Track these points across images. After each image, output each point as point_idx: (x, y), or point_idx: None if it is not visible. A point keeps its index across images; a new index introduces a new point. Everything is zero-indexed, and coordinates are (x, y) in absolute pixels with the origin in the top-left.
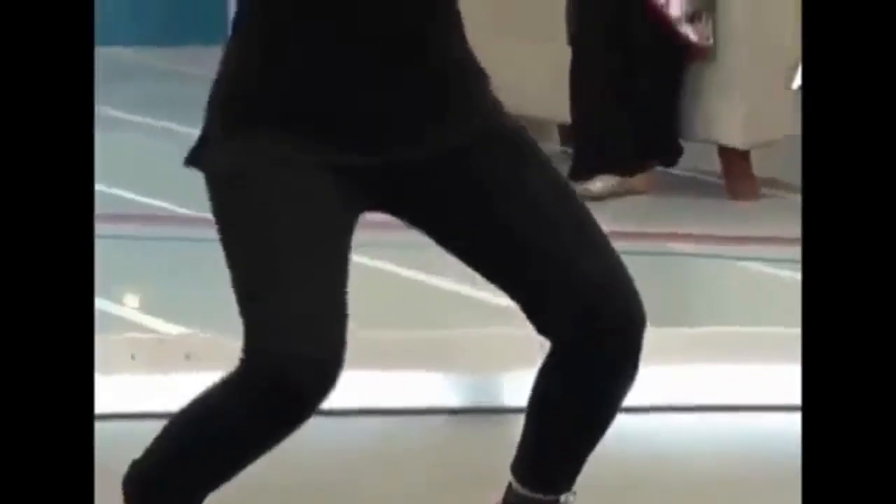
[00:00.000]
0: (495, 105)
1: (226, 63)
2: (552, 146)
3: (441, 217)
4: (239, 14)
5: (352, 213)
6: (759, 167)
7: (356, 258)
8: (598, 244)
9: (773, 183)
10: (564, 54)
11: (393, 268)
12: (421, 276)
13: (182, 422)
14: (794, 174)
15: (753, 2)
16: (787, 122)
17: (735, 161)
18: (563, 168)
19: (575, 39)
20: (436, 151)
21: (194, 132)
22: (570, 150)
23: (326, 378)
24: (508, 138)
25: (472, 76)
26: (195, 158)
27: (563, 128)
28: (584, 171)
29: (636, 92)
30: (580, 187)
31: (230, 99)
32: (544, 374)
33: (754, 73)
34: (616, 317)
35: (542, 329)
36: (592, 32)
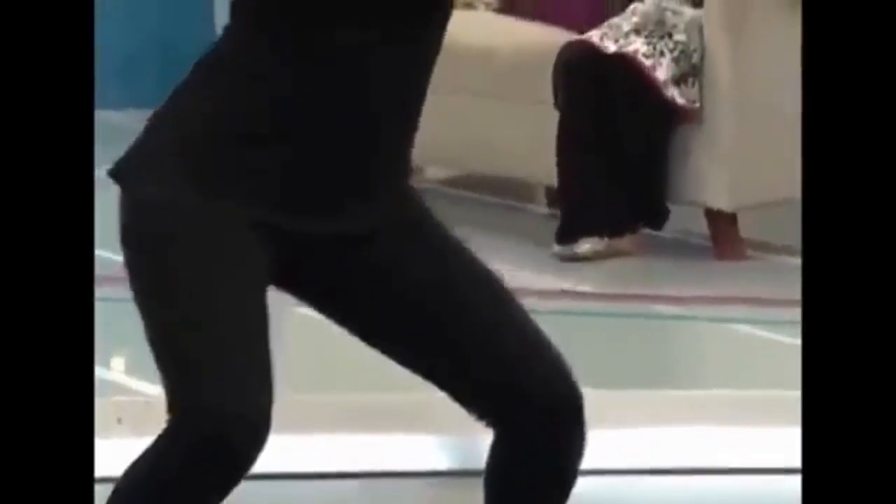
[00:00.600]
0: (411, 193)
1: (186, 95)
2: (539, 208)
3: (367, 302)
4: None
5: (266, 280)
6: (746, 229)
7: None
8: (519, 325)
9: (760, 245)
10: (552, 117)
11: None
12: None
13: (125, 486)
14: (781, 236)
15: (740, 65)
16: (773, 185)
17: (722, 223)
18: (551, 230)
19: (562, 102)
20: (365, 229)
21: None
22: (557, 213)
23: (258, 436)
24: (422, 223)
25: (402, 164)
26: (118, 173)
27: (550, 190)
28: (571, 233)
29: (623, 155)
30: (567, 249)
31: (172, 128)
32: (493, 462)
33: (741, 135)
34: (546, 397)
35: (479, 416)
36: (579, 95)
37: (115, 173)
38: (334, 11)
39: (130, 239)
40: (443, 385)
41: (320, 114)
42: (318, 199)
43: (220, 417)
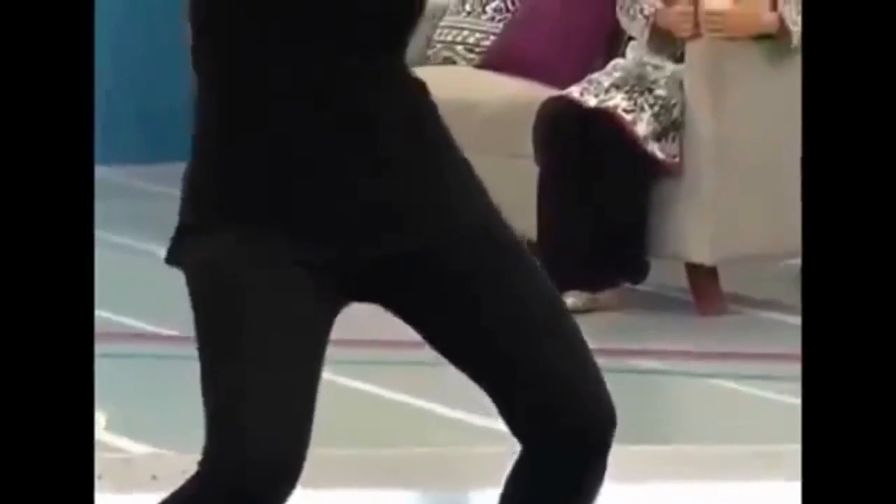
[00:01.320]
0: (484, 205)
1: (198, 155)
2: None
3: (424, 313)
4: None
5: (331, 310)
6: (726, 283)
7: (335, 378)
8: (571, 345)
9: (740, 299)
10: (532, 171)
11: (371, 388)
12: (395, 396)
13: None
14: (760, 290)
15: (720, 120)
16: (753, 239)
17: (702, 277)
18: None
19: (543, 157)
20: (412, 247)
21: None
22: None
23: (279, 490)
24: (495, 239)
25: (458, 175)
26: (173, 256)
27: (530, 244)
28: None
29: (604, 209)
30: None
31: (204, 192)
32: (512, 478)
33: (721, 190)
34: (579, 418)
35: (512, 429)
36: (560, 150)
37: (170, 259)
38: (318, 41)
39: (195, 303)
40: (488, 393)
41: (324, 142)
42: (349, 227)
43: (240, 470)
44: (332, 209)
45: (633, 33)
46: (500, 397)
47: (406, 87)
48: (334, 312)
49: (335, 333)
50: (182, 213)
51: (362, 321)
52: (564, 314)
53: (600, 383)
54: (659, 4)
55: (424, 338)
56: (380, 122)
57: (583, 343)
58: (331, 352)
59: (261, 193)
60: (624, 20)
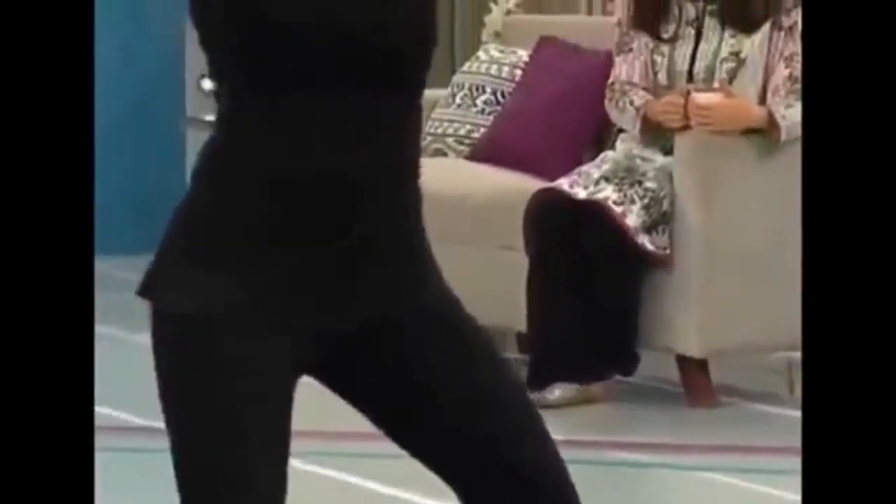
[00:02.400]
0: (437, 280)
1: (191, 202)
2: (510, 354)
3: (374, 389)
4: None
5: (294, 380)
6: (717, 375)
7: (321, 470)
8: (533, 429)
9: (731, 391)
10: (522, 263)
11: (356, 480)
12: (377, 487)
13: None
14: (752, 382)
15: (710, 212)
16: (744, 332)
17: (692, 369)
18: (522, 376)
19: (533, 248)
20: (374, 318)
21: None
22: (528, 358)
23: None
24: (447, 315)
25: (415, 249)
26: (147, 286)
27: (521, 336)
28: (541, 379)
29: (594, 301)
30: (537, 396)
31: (190, 235)
32: None
33: (711, 282)
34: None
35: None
36: (550, 242)
37: (143, 290)
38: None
39: (158, 350)
40: (440, 475)
41: (305, 203)
42: (325, 294)
43: None
44: (308, 275)
45: (624, 125)
46: (454, 480)
47: (397, 148)
48: (295, 386)
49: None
50: (163, 249)
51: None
52: (528, 405)
53: (562, 473)
54: (648, 97)
55: (371, 416)
56: (365, 190)
57: (544, 432)
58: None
59: (241, 244)
60: (613, 113)
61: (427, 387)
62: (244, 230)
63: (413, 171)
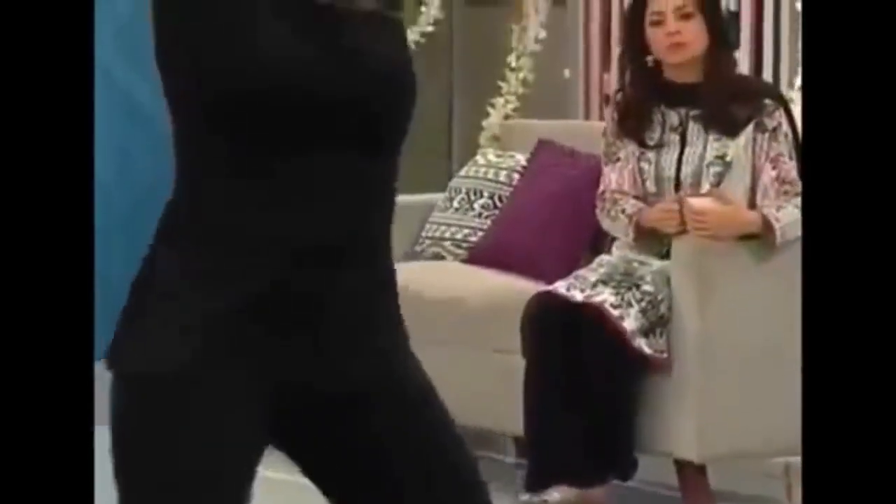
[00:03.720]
0: (407, 357)
1: (152, 264)
2: (507, 458)
3: (336, 462)
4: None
5: (258, 449)
6: (716, 480)
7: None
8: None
9: (729, 496)
10: (518, 366)
11: None
12: None
13: None
14: (750, 487)
15: (707, 316)
16: (742, 437)
17: (691, 475)
18: (519, 479)
19: (529, 352)
20: (335, 392)
21: None
22: (525, 462)
23: None
24: (414, 393)
25: (387, 321)
26: (112, 361)
27: (518, 440)
28: (540, 482)
29: (591, 405)
30: (537, 498)
31: (151, 296)
32: None
33: (709, 386)
34: None
35: None
36: (547, 345)
37: (110, 362)
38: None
39: (115, 411)
40: None
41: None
42: (289, 363)
43: None
44: (274, 343)
45: (616, 234)
46: None
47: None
48: (259, 457)
49: None
50: (125, 309)
51: None
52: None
53: None
54: (640, 204)
55: (324, 489)
56: (337, 257)
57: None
58: None
59: (204, 307)
60: (605, 222)
61: (386, 466)
62: (208, 293)
63: (386, 238)
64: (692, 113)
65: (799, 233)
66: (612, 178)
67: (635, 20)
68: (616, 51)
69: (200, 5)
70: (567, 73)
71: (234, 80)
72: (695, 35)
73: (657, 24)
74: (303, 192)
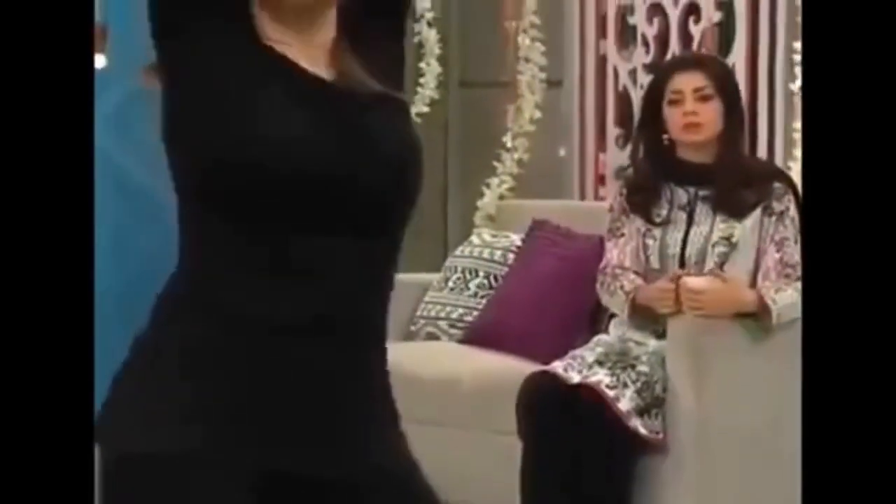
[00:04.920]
0: (398, 441)
1: (149, 338)
2: None
3: None
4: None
5: None
6: None
7: None
8: None
9: None
10: (515, 447)
11: None
12: None
13: None
14: None
15: (703, 396)
16: None
17: None
18: None
19: (526, 432)
20: (324, 475)
21: None
22: None
23: None
24: (404, 480)
25: (379, 405)
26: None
27: None
28: None
29: (588, 485)
30: None
31: (145, 370)
32: None
33: (705, 467)
34: None
35: None
36: (543, 426)
37: (102, 438)
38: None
39: (105, 489)
40: None
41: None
42: (281, 446)
43: None
44: (266, 424)
45: (614, 309)
46: None
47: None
48: None
49: None
50: (117, 384)
51: None
52: None
53: None
54: (639, 281)
55: None
56: (338, 337)
57: None
58: None
59: (197, 384)
60: (604, 297)
61: None
62: (202, 372)
63: (382, 320)
64: (701, 193)
65: (795, 315)
66: (614, 253)
67: (654, 98)
68: (611, 131)
69: (202, 83)
70: (562, 152)
71: (233, 159)
72: (712, 117)
73: (675, 103)
74: (301, 272)
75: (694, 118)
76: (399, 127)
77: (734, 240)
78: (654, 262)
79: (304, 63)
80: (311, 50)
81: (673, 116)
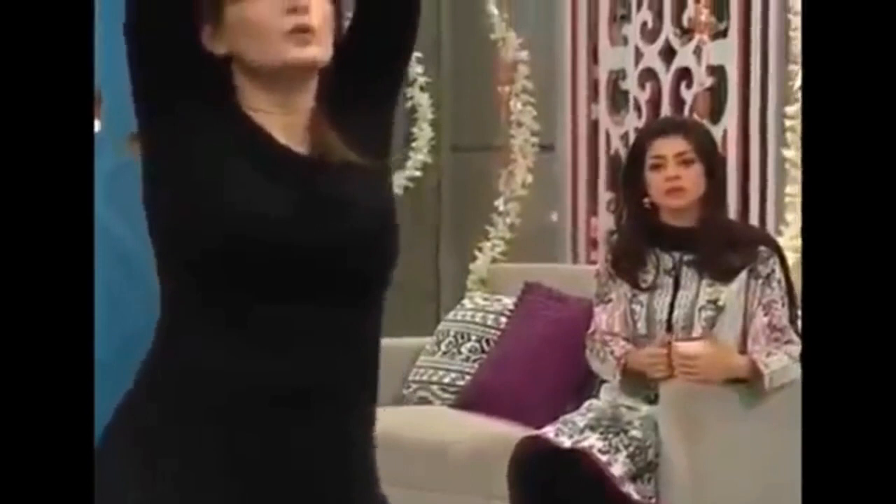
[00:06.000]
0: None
1: (130, 411)
2: None
3: None
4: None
5: None
6: None
7: None
8: None
9: None
10: None
11: None
12: None
13: None
14: None
15: (696, 462)
16: None
17: None
18: None
19: (518, 498)
20: None
21: None
22: None
23: None
24: None
25: (362, 474)
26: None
27: None
28: None
29: None
30: None
31: (128, 440)
32: None
33: None
34: None
35: None
36: (535, 491)
37: None
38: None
39: None
40: None
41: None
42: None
43: None
44: (244, 496)
45: (604, 376)
46: None
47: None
48: None
49: None
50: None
51: None
52: None
53: None
54: (629, 346)
55: None
56: (314, 409)
57: None
58: None
59: (176, 456)
60: (594, 363)
61: None
62: (177, 446)
63: (363, 385)
64: (686, 257)
65: (787, 379)
66: (602, 318)
67: (636, 163)
68: (604, 195)
69: (177, 151)
70: (554, 216)
71: (203, 229)
72: (694, 181)
73: (657, 168)
74: (277, 341)
75: (677, 182)
76: (373, 196)
77: (721, 303)
78: (642, 328)
79: (281, 132)
80: (290, 118)
81: (655, 181)
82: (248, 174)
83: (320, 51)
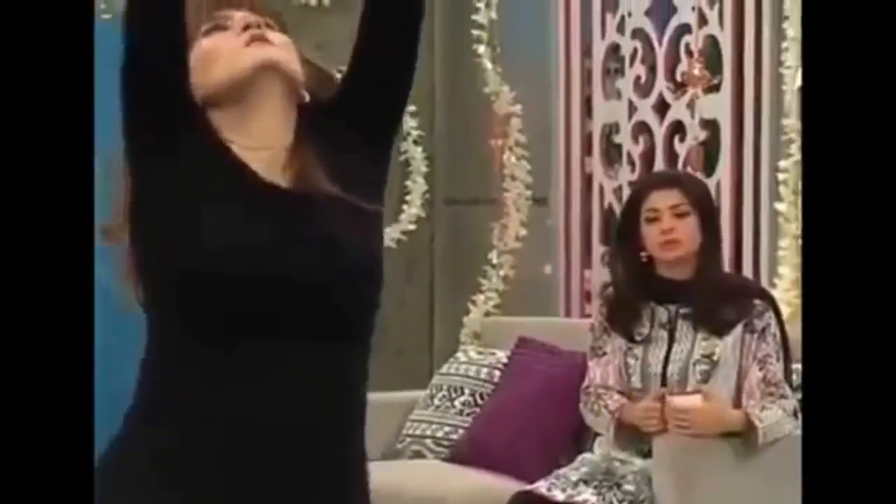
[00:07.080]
0: None
1: (122, 445)
2: None
3: None
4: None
5: None
6: None
7: None
8: None
9: None
10: None
11: None
12: None
13: None
14: None
15: None
16: None
17: None
18: None
19: None
20: None
21: None
22: None
23: None
24: None
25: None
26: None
27: None
28: None
29: None
30: None
31: (120, 477)
32: None
33: None
34: None
35: None
36: None
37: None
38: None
39: None
40: None
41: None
42: None
43: None
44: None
45: (598, 429)
46: None
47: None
48: None
49: None
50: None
51: None
52: None
53: None
54: (623, 400)
55: None
56: (304, 444)
57: None
58: None
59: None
60: (588, 417)
61: None
62: (165, 480)
63: (348, 426)
64: (682, 310)
65: (781, 433)
66: (597, 372)
67: (631, 216)
68: (597, 248)
69: (158, 185)
70: (548, 269)
71: (183, 265)
72: (689, 233)
73: (652, 220)
74: (257, 375)
75: (671, 235)
76: (357, 234)
77: (715, 357)
78: (636, 381)
79: (263, 166)
80: (269, 152)
81: (651, 234)
82: (227, 208)
83: (281, 54)
